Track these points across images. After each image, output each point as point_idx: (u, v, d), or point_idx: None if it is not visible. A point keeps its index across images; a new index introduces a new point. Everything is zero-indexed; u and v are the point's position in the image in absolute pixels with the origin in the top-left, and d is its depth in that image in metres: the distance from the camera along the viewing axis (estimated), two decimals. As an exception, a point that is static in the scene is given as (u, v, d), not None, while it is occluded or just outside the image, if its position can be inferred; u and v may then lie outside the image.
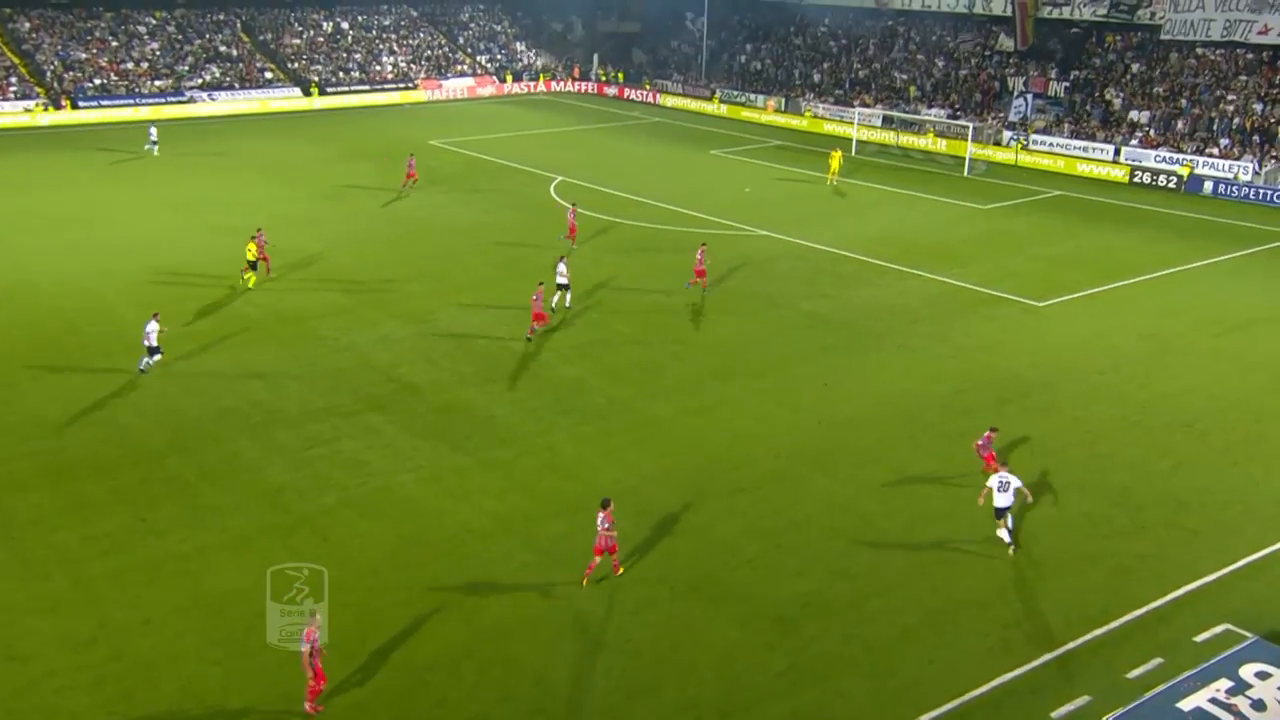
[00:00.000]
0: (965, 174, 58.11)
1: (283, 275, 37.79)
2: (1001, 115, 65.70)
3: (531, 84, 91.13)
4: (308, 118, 75.72)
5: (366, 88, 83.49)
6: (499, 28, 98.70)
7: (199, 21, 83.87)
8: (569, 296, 34.27)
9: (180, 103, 74.90)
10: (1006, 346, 31.87)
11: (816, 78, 79.09)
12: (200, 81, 77.75)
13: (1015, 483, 21.02)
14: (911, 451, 25.13)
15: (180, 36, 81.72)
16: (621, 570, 20.26)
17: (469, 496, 22.88)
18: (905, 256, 41.00)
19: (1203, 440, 25.98)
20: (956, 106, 68.51)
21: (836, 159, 56.07)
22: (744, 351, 31.45)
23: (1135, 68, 64.34)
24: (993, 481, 21.04)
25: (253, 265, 36.48)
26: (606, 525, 19.59)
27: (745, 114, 77.23)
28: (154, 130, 61.15)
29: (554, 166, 57.41)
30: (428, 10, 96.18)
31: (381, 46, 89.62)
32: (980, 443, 23.67)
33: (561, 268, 34.13)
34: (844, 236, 43.88)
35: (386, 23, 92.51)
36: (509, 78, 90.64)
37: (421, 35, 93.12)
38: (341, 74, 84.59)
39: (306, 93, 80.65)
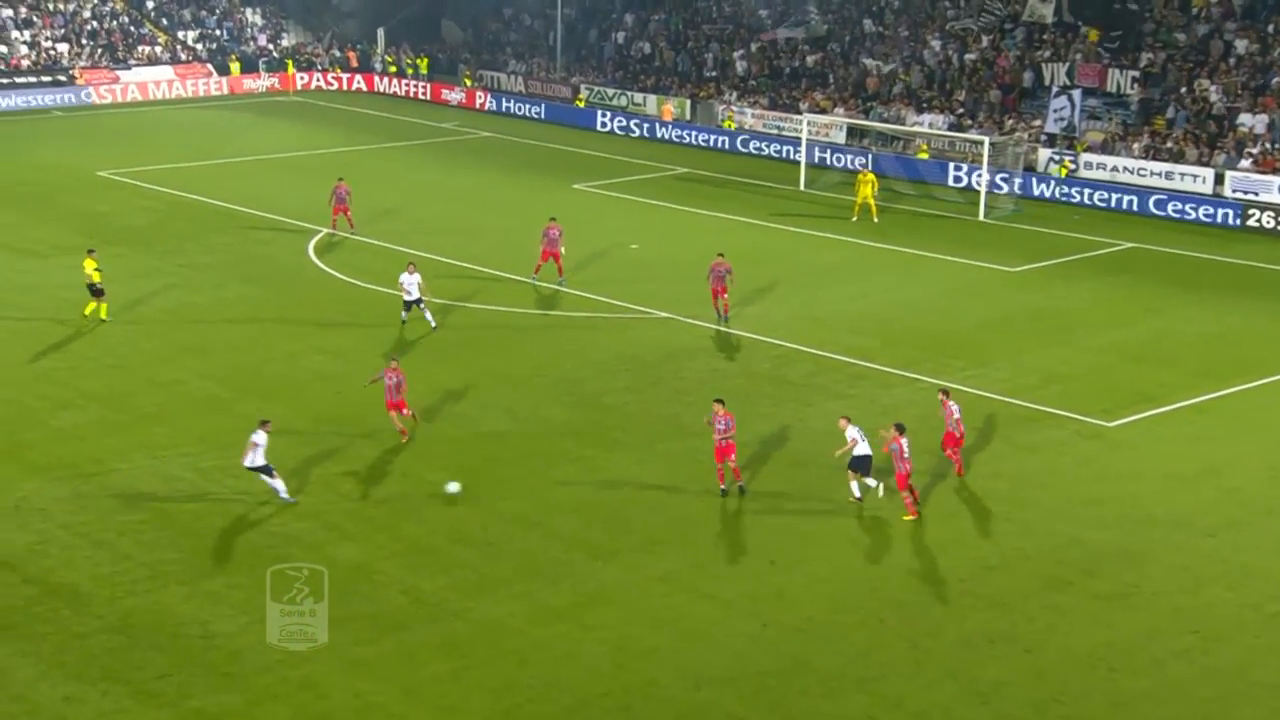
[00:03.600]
0: (981, 217, 59.93)
1: None
2: (1036, 124, 68.22)
3: (276, 77, 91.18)
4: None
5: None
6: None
7: None
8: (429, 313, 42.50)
9: None
10: (1058, 494, 32.43)
11: (741, 66, 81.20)
12: None
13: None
14: (913, 671, 25.22)
15: None
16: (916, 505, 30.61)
17: (170, 775, 22.18)
18: (891, 350, 41.80)
19: (1384, 642, 26.69)
20: (962, 111, 70.96)
21: (869, 185, 57.38)
22: (633, 509, 31.40)
23: (1241, 46, 67.58)
24: (853, 432, 30.90)
25: (96, 292, 42.05)
26: (906, 454, 30.43)
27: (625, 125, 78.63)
28: None
29: (314, 214, 57.12)
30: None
31: (9, 14, 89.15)
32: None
33: (409, 280, 41.85)
34: (793, 320, 44.53)
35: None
36: (235, 67, 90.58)
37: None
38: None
39: None
